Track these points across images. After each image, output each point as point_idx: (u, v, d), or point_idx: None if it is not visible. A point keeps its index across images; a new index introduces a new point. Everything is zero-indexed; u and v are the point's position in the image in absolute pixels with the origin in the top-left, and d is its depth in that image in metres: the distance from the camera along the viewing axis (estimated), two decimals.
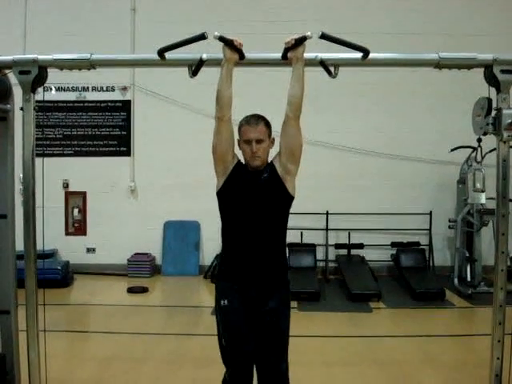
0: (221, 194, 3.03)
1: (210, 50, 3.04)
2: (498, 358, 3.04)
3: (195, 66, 3.02)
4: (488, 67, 3.02)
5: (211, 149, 2.97)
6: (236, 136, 3.00)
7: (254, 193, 2.96)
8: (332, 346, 5.10)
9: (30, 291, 3.05)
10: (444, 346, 5.14)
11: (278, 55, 3.00)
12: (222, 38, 2.84)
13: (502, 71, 2.99)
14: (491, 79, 3.03)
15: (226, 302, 2.97)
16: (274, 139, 3.02)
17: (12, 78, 3.20)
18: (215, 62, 2.97)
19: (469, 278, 7.00)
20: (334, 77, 3.09)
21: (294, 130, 2.93)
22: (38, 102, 3.12)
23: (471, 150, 7.36)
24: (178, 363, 4.68)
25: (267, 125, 3.00)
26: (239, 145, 3.01)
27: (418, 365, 4.65)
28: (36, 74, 3.04)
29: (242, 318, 2.95)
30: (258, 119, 2.98)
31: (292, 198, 3.02)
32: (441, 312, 6.43)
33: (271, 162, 3.03)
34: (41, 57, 3.06)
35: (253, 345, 2.93)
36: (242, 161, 3.04)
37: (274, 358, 2.97)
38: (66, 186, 8.37)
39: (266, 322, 2.95)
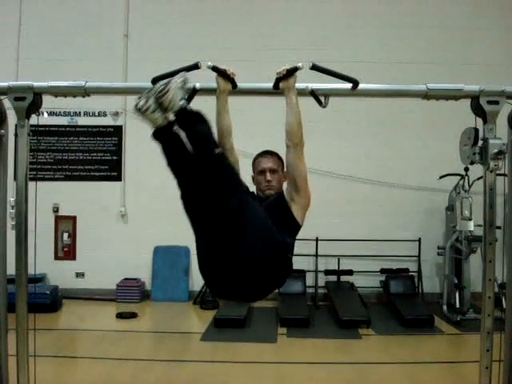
0: None
1: (203, 78, 3.09)
2: None
3: (188, 95, 3.07)
4: (474, 98, 3.09)
5: None
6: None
7: None
8: (321, 373, 5.08)
9: (20, 316, 3.04)
10: (433, 373, 5.14)
11: (270, 85, 3.05)
12: (215, 68, 2.90)
13: (489, 102, 3.06)
14: (478, 110, 3.10)
15: None
16: (286, 174, 3.04)
17: (5, 102, 3.22)
18: (208, 91, 3.03)
19: (457, 305, 7.02)
20: (325, 106, 3.15)
21: (294, 158, 2.93)
22: (30, 126, 3.15)
23: (459, 177, 7.44)
24: None
25: (280, 158, 3.09)
26: (253, 180, 3.10)
27: None
28: (31, 101, 3.07)
29: None
30: (271, 152, 3.11)
31: (298, 226, 3.00)
32: (430, 339, 6.43)
33: (282, 189, 3.08)
34: (36, 84, 3.10)
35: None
36: (251, 189, 3.04)
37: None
38: (56, 210, 8.36)
39: None
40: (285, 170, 3.06)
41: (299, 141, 2.94)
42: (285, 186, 3.08)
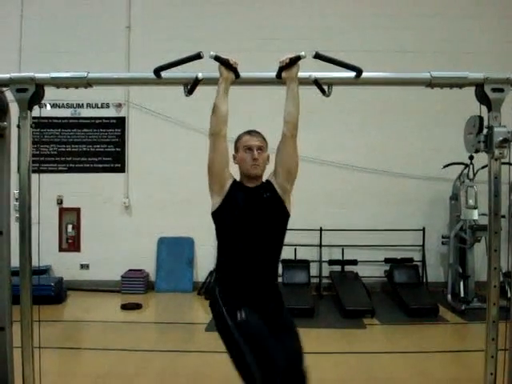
0: (218, 214, 3.01)
1: (205, 68, 3.07)
2: (491, 374, 3.05)
3: (191, 85, 3.05)
4: (479, 86, 3.06)
5: (207, 167, 2.99)
6: (231, 152, 3.05)
7: (255, 211, 2.97)
8: (326, 363, 5.08)
9: (25, 308, 3.04)
10: (438, 362, 5.15)
11: (273, 74, 3.03)
12: (217, 58, 2.89)
13: (493, 90, 3.03)
14: (482, 98, 3.06)
15: (243, 315, 2.84)
16: (269, 155, 3.07)
17: (8, 94, 3.21)
18: (211, 81, 3.00)
19: (462, 294, 7.02)
20: (328, 95, 3.12)
21: (290, 148, 2.97)
22: (33, 118, 3.14)
23: (463, 166, 7.41)
24: (172, 380, 4.67)
25: (265, 139, 3.08)
26: (235, 158, 3.06)
27: (412, 381, 4.65)
28: (33, 92, 3.05)
29: (265, 330, 2.87)
30: (257, 131, 3.09)
31: (289, 216, 3.06)
32: (434, 328, 6.43)
33: (268, 180, 3.06)
34: (38, 75, 3.08)
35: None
36: (237, 179, 3.07)
37: (298, 362, 3.03)
38: (60, 202, 8.37)
39: (285, 332, 2.98)
40: (267, 152, 3.08)
41: (296, 131, 2.96)
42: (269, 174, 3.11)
